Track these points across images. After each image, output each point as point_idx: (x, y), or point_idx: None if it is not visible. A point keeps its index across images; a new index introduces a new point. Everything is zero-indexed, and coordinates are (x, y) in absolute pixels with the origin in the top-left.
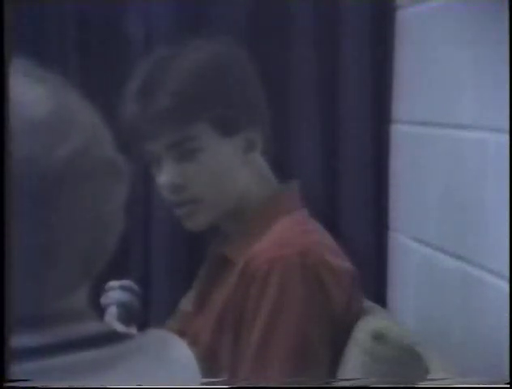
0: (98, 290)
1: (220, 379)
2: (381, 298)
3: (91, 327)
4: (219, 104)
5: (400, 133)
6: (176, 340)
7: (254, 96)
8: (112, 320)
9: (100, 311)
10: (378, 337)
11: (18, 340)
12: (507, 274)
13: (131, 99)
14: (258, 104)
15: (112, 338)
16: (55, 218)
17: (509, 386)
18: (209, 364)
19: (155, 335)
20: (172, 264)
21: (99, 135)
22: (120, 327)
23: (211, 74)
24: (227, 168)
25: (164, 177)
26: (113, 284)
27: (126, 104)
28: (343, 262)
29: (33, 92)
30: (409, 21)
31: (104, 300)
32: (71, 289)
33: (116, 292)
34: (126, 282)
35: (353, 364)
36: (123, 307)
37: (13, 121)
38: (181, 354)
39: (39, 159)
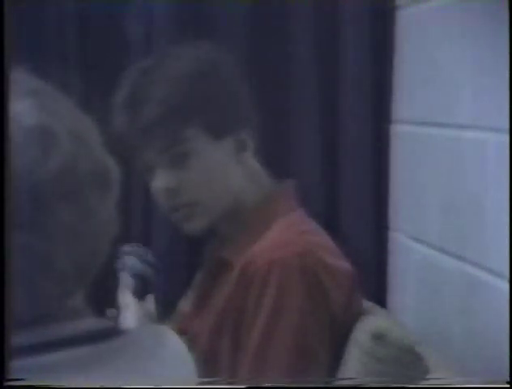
0: (95, 289)
1: (220, 379)
2: (381, 298)
3: (86, 323)
4: (206, 110)
5: (400, 133)
6: (171, 335)
7: (242, 96)
8: (127, 292)
9: (97, 308)
10: (378, 337)
11: (15, 338)
12: (507, 274)
13: (119, 110)
14: (246, 105)
15: (107, 333)
16: (48, 229)
17: (509, 386)
18: (209, 364)
19: (150, 329)
20: (171, 265)
21: (88, 146)
22: (135, 300)
23: (195, 80)
24: (219, 171)
25: (158, 183)
26: (129, 250)
27: (115, 115)
28: (341, 263)
29: (21, 104)
30: (409, 21)
31: (119, 266)
32: (66, 296)
33: (131, 260)
34: (143, 251)
35: (353, 364)
36: (139, 278)
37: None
38: (175, 349)
39: (27, 171)
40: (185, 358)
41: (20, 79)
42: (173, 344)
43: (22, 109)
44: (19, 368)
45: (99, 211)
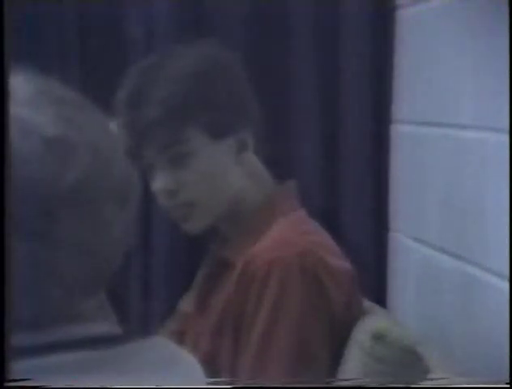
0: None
1: (221, 379)
2: (381, 298)
3: (95, 327)
4: (206, 109)
5: (400, 133)
6: (182, 349)
7: (243, 96)
8: None
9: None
10: (378, 337)
11: (21, 339)
12: (507, 274)
13: (120, 110)
14: (247, 105)
15: (115, 339)
16: (61, 239)
17: (509, 386)
18: (209, 364)
19: (160, 340)
20: (172, 264)
21: (107, 161)
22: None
23: (196, 80)
24: (220, 171)
25: (158, 183)
26: None
27: (116, 114)
28: (342, 263)
29: (44, 114)
30: (409, 21)
31: None
32: (74, 301)
33: None
34: None
35: (353, 364)
36: None
37: (22, 139)
38: (187, 361)
39: (44, 181)
40: (196, 370)
41: (47, 88)
42: (187, 357)
43: (43, 119)
44: (20, 369)
45: (113, 225)
